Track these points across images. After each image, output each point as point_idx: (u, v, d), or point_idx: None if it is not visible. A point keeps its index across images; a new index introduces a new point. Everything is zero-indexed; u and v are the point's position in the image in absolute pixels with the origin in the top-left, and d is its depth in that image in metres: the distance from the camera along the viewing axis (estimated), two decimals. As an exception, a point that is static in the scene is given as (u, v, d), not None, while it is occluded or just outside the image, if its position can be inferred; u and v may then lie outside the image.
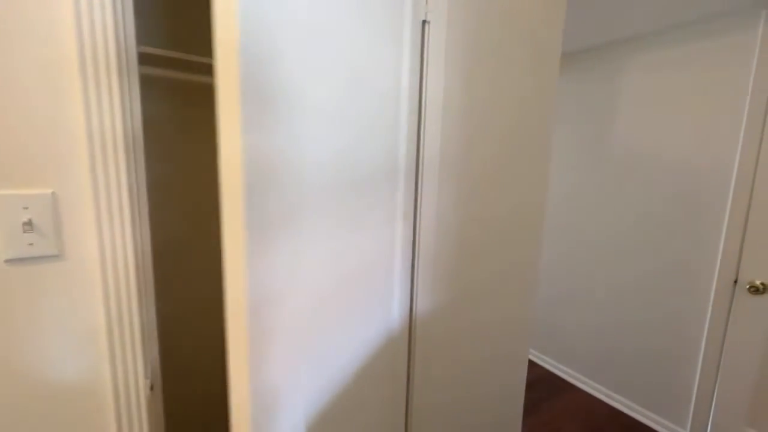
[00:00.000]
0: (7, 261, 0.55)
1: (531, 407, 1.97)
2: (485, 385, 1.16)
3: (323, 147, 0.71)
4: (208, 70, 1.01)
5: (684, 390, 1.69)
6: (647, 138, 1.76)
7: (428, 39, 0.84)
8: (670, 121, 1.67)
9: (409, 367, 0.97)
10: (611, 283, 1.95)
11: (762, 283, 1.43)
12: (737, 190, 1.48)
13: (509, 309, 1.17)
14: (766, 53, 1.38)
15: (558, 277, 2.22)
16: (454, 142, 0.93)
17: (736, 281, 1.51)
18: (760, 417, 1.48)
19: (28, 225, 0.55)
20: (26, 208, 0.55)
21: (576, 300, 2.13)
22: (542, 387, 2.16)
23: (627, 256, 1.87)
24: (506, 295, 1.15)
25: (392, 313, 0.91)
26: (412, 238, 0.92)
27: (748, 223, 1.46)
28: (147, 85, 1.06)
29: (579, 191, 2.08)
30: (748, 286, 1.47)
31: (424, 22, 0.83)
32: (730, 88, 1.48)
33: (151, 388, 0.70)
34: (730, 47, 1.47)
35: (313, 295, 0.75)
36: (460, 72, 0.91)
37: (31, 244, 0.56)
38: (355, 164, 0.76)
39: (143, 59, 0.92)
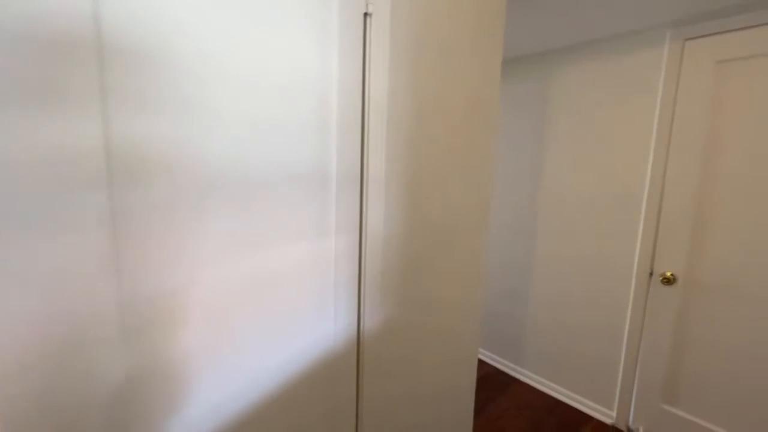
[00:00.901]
0: None
1: (478, 407, 2.01)
2: (436, 392, 1.13)
3: (216, 149, 0.61)
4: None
5: (611, 375, 1.85)
6: (574, 144, 1.89)
7: (370, 33, 0.77)
8: (592, 129, 1.82)
9: (358, 379, 0.89)
10: (547, 279, 2.06)
11: (672, 274, 1.61)
12: (650, 194, 1.64)
13: (459, 314, 1.15)
14: (672, 69, 1.55)
15: (497, 274, 2.31)
16: (401, 146, 0.88)
17: (651, 273, 1.68)
18: (673, 394, 1.66)
19: None
20: None
21: (516, 296, 2.23)
22: (488, 385, 2.22)
23: (560, 254, 1.99)
24: (455, 300, 1.12)
25: (335, 325, 0.82)
26: (357, 250, 0.84)
27: (660, 223, 1.63)
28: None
29: (514, 191, 2.18)
30: (660, 278, 1.64)
31: (365, 14, 0.76)
32: (642, 100, 1.65)
33: None
34: (641, 62, 1.64)
35: (218, 303, 0.64)
36: (406, 70, 0.86)
37: None
38: (257, 170, 0.66)
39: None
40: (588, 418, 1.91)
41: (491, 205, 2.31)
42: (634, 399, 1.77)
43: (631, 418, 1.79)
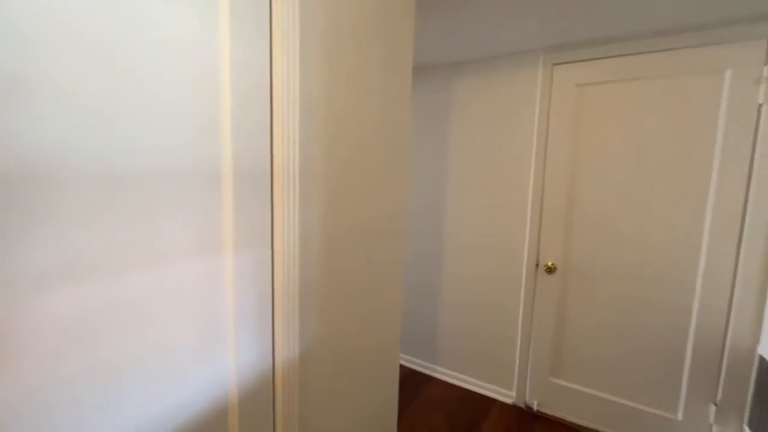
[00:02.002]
0: None
1: (398, 411, 2.00)
2: (362, 415, 1.05)
3: (47, 138, 0.44)
4: None
5: (510, 359, 2.05)
6: (472, 149, 2.06)
7: (277, 15, 0.66)
8: (486, 137, 2.00)
9: (274, 423, 0.75)
10: (456, 272, 2.19)
11: (553, 264, 1.87)
12: (533, 196, 1.88)
13: (383, 327, 1.09)
14: (545, 87, 1.81)
15: (407, 273, 2.37)
16: (317, 145, 0.78)
17: (537, 264, 1.92)
18: (558, 368, 1.93)
19: None
20: None
21: (424, 293, 2.31)
22: (405, 387, 2.24)
23: (463, 250, 2.14)
24: (379, 313, 1.07)
25: (236, 363, 0.68)
26: (268, 266, 0.71)
27: (542, 221, 1.88)
28: None
29: (424, 190, 2.26)
30: (545, 267, 1.89)
31: (271, -10, 0.65)
32: (525, 112, 1.88)
33: None
34: (523, 80, 1.88)
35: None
36: (319, 60, 0.76)
37: None
38: (112, 166, 0.50)
39: None
40: (494, 402, 2.09)
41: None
42: (528, 377, 2.00)
43: (527, 395, 2.02)
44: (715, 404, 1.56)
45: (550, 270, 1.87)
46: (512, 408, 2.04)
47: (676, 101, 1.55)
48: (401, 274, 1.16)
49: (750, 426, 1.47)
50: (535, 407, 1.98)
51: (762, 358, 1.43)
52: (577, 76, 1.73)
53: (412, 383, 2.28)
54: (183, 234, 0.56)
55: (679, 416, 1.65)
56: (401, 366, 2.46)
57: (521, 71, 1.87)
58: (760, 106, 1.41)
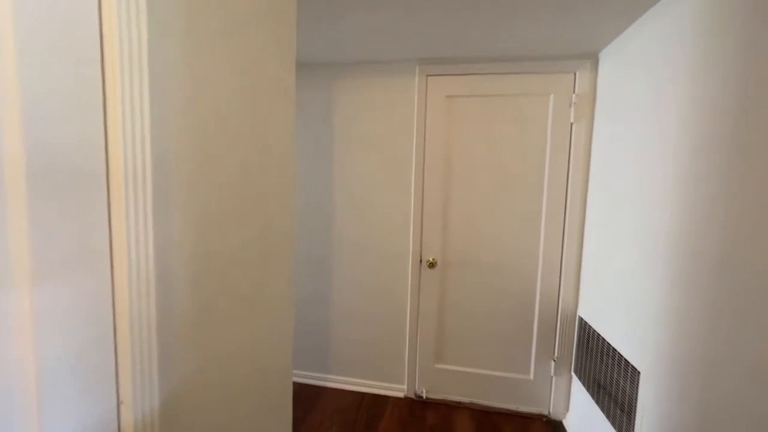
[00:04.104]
0: None
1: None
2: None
3: None
4: None
5: (400, 353, 2.14)
6: (357, 152, 2.07)
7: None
8: (367, 143, 2.04)
9: None
10: (345, 276, 2.16)
11: (434, 259, 2.03)
12: (415, 198, 2.01)
13: (271, 351, 0.96)
14: (422, 95, 1.95)
15: (296, 284, 2.23)
16: (182, 138, 0.62)
17: (421, 261, 2.05)
18: (441, 354, 2.11)
19: None
20: None
21: (312, 302, 2.22)
22: (296, 405, 2.09)
23: (353, 254, 2.13)
24: (267, 337, 0.94)
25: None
26: (107, 298, 0.52)
27: (423, 220, 2.02)
28: None
29: (311, 194, 2.16)
30: (427, 263, 2.04)
31: None
32: (405, 119, 1.99)
33: None
34: (403, 87, 1.98)
35: None
36: (180, 33, 0.60)
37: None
38: None
39: None
40: (388, 399, 2.14)
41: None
42: (417, 368, 2.12)
43: (417, 385, 2.14)
44: (554, 360, 1.96)
45: (432, 265, 2.02)
46: (404, 401, 2.13)
47: (519, 117, 1.88)
48: (291, 290, 1.05)
49: (575, 372, 1.89)
50: (424, 395, 2.12)
51: (581, 318, 1.86)
52: (446, 88, 1.93)
53: (305, 398, 2.14)
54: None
55: (531, 376, 2.01)
56: (293, 383, 2.29)
57: (400, 78, 1.97)
58: (572, 124, 1.83)
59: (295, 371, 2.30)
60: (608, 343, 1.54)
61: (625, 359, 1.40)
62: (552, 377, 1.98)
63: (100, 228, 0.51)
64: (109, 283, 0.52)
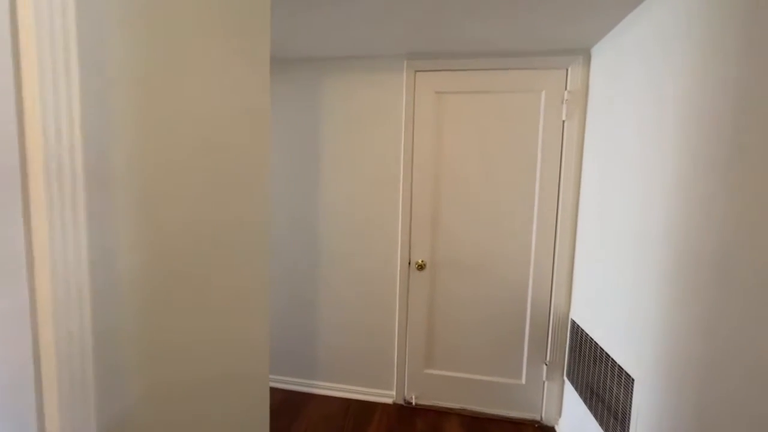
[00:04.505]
0: None
1: (275, 443, 1.77)
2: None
3: None
4: None
5: (389, 359, 2.07)
6: (345, 151, 1.99)
7: None
8: (355, 142, 1.97)
9: None
10: (333, 282, 2.08)
11: (422, 261, 1.96)
12: (404, 199, 1.94)
13: (243, 362, 0.88)
14: (410, 92, 1.88)
15: (281, 288, 2.15)
16: (125, 132, 0.54)
17: (409, 263, 1.99)
18: (431, 359, 2.04)
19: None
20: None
21: (298, 308, 2.13)
22: (282, 414, 2.01)
23: (341, 257, 2.05)
24: (238, 348, 0.86)
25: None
26: (26, 319, 0.44)
27: (412, 221, 1.95)
28: None
29: (295, 195, 2.08)
30: (416, 265, 1.97)
31: None
32: (392, 117, 1.92)
33: None
34: (390, 82, 1.91)
35: None
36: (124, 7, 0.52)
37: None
38: None
39: None
40: (377, 405, 2.07)
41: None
42: (406, 374, 2.06)
43: (406, 391, 2.07)
44: (546, 364, 1.91)
45: (421, 267, 1.96)
46: (393, 407, 2.06)
47: (510, 114, 1.83)
48: (266, 288, 0.97)
49: (568, 376, 1.84)
50: (413, 401, 2.05)
51: (573, 321, 1.81)
52: (436, 84, 1.86)
53: (291, 406, 2.06)
54: None
55: (523, 380, 1.96)
56: (275, 390, 2.20)
57: (387, 74, 1.90)
58: (564, 121, 1.77)
59: (281, 378, 2.22)
60: (601, 348, 1.49)
61: (618, 365, 1.35)
62: (544, 382, 1.93)
63: (13, 232, 0.43)
64: (26, 299, 0.44)
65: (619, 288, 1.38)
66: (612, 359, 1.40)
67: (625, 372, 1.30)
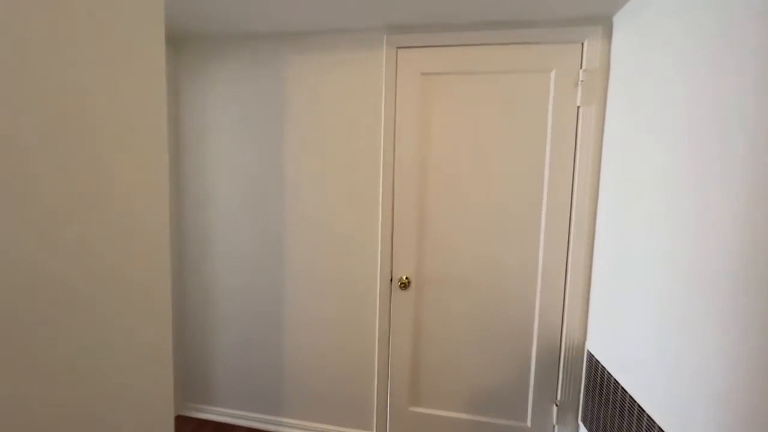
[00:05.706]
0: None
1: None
2: None
3: None
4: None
5: (368, 393, 1.74)
6: (311, 150, 1.67)
7: None
8: (325, 133, 1.65)
9: None
10: (300, 306, 1.76)
11: (407, 278, 1.63)
12: (384, 202, 1.61)
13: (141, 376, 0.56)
14: (390, 73, 1.56)
15: (233, 310, 1.82)
16: None
17: (391, 279, 1.66)
18: (416, 396, 1.70)
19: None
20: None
21: (260, 336, 1.81)
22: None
23: (311, 281, 1.73)
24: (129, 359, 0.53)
25: None
26: None
27: (393, 233, 1.62)
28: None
29: (257, 211, 1.76)
30: (399, 283, 1.64)
31: None
32: (370, 104, 1.59)
33: None
34: (366, 61, 1.59)
35: None
36: None
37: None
38: None
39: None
40: (351, 450, 1.73)
41: (227, 230, 1.79)
42: (388, 412, 1.72)
43: (388, 430, 1.74)
44: (556, 405, 1.57)
45: (405, 285, 1.63)
46: (372, 450, 1.72)
47: (512, 99, 1.49)
48: (168, 296, 0.66)
49: (583, 421, 1.50)
50: (396, 445, 1.71)
51: (589, 353, 1.47)
52: (421, 63, 1.53)
53: (248, 449, 1.73)
54: None
55: (529, 423, 1.61)
56: (237, 428, 1.88)
57: (363, 52, 1.58)
58: (579, 108, 1.44)
59: (243, 414, 1.89)
60: (629, 395, 1.15)
61: (654, 422, 1.01)
62: (554, 426, 1.59)
63: None
64: None
65: (655, 317, 1.04)
66: (645, 413, 1.06)
67: (668, 439, 0.96)
